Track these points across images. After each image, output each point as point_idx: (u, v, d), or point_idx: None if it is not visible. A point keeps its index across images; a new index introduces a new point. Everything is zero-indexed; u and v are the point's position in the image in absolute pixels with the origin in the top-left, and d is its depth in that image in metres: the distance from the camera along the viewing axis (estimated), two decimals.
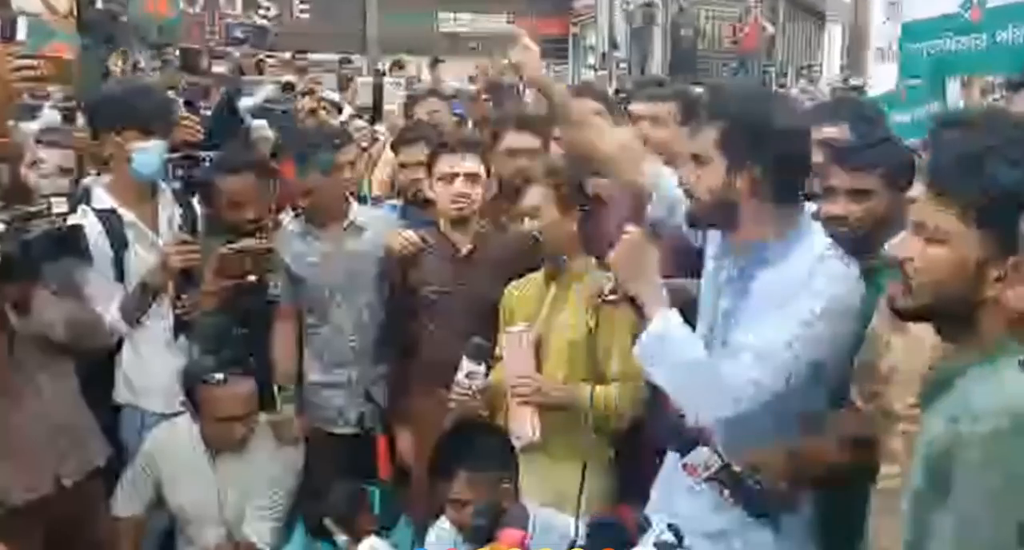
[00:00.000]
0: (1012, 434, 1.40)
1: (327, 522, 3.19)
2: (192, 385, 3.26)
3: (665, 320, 2.25)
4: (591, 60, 18.42)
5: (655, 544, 2.01)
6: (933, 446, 1.48)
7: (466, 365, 2.99)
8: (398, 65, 11.80)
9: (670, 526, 2.05)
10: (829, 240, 2.27)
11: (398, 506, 3.48)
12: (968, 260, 1.48)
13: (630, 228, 2.33)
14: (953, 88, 4.07)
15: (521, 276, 3.17)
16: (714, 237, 2.43)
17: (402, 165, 4.00)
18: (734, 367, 2.17)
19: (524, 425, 2.93)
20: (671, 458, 2.45)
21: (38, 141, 3.71)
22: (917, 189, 1.62)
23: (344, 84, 9.43)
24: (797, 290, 2.16)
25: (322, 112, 7.25)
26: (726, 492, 2.16)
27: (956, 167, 1.50)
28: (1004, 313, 1.48)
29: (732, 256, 2.33)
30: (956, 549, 1.44)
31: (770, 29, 18.50)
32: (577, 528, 2.26)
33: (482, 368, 2.99)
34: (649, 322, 2.27)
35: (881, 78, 4.74)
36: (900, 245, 1.58)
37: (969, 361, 1.52)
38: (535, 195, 3.03)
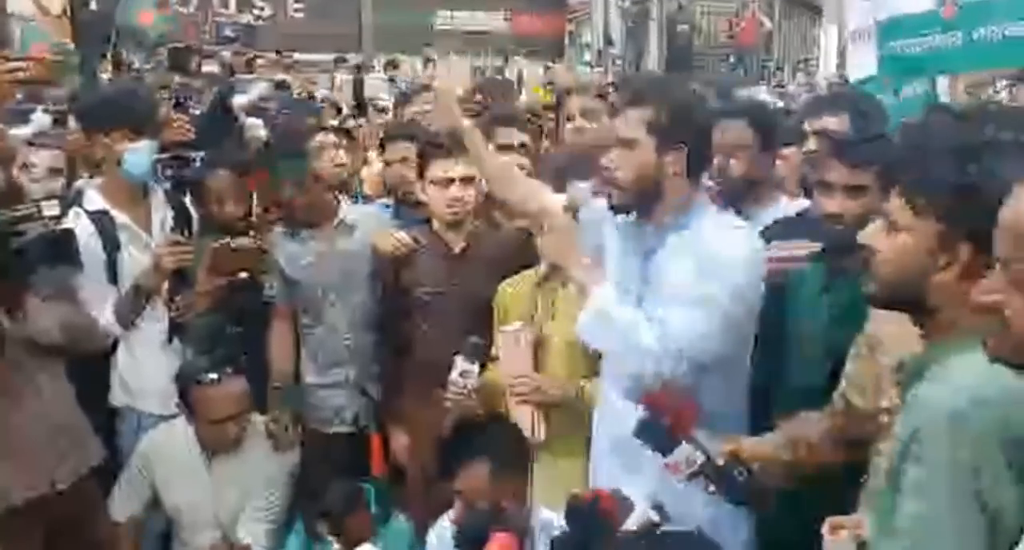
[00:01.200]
0: (972, 419, 1.42)
1: (320, 528, 3.18)
2: (186, 386, 3.25)
3: (600, 296, 2.41)
4: (587, 57, 18.41)
5: (640, 525, 2.01)
6: (903, 433, 1.49)
7: (460, 364, 2.96)
8: (393, 64, 11.78)
9: (655, 506, 2.05)
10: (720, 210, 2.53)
11: (393, 503, 3.46)
12: (920, 248, 1.54)
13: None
14: (942, 83, 4.07)
15: (515, 274, 3.15)
16: (613, 232, 2.57)
17: (386, 163, 3.98)
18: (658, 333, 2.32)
19: (526, 425, 2.91)
20: (602, 451, 2.64)
21: (29, 144, 3.69)
22: None
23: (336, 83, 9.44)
24: (708, 256, 2.35)
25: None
26: (711, 487, 2.15)
27: (906, 161, 1.59)
28: (964, 302, 1.50)
29: (642, 239, 2.48)
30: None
31: (767, 24, 18.50)
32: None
33: (476, 367, 2.97)
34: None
35: (859, 61, 4.73)
36: (865, 233, 1.65)
37: (941, 351, 1.53)
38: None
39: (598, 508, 2.07)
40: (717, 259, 2.33)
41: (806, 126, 3.08)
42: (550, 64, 15.99)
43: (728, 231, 2.42)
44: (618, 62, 16.79)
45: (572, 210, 2.60)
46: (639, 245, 2.49)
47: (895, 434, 1.54)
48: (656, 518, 2.00)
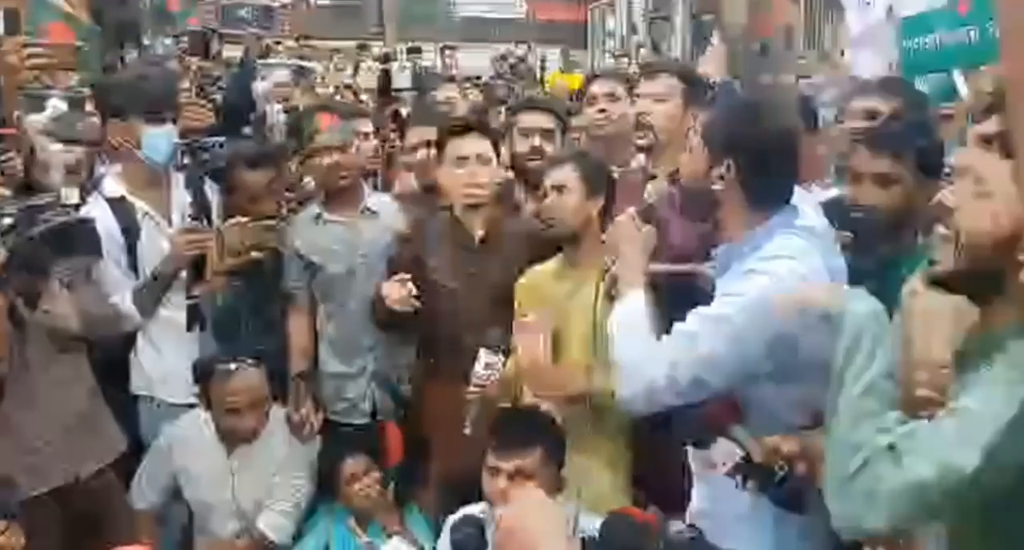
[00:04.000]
0: None
1: (351, 524, 3.18)
2: (203, 375, 3.23)
3: (626, 306, 2.31)
4: (610, 45, 18.29)
5: (669, 536, 1.98)
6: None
7: (484, 356, 2.92)
8: (415, 51, 11.74)
9: (689, 525, 2.02)
10: (799, 243, 2.18)
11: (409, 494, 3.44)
12: (1014, 214, 1.49)
13: (628, 210, 2.38)
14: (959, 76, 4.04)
15: (537, 262, 3.10)
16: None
17: (410, 147, 3.96)
18: (652, 355, 2.19)
19: None
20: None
21: (47, 133, 3.66)
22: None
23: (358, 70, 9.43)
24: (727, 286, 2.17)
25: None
26: (750, 483, 2.11)
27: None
28: None
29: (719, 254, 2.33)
30: None
31: (790, 14, 18.28)
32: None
33: (500, 359, 2.92)
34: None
35: (865, 63, 4.73)
36: (948, 193, 1.62)
37: (1005, 336, 1.49)
38: (561, 173, 2.96)
39: (636, 525, 2.06)
40: (713, 307, 2.17)
41: (852, 105, 3.02)
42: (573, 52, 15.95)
43: (760, 272, 2.15)
44: (643, 51, 16.64)
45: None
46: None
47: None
48: (688, 532, 1.97)
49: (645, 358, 2.19)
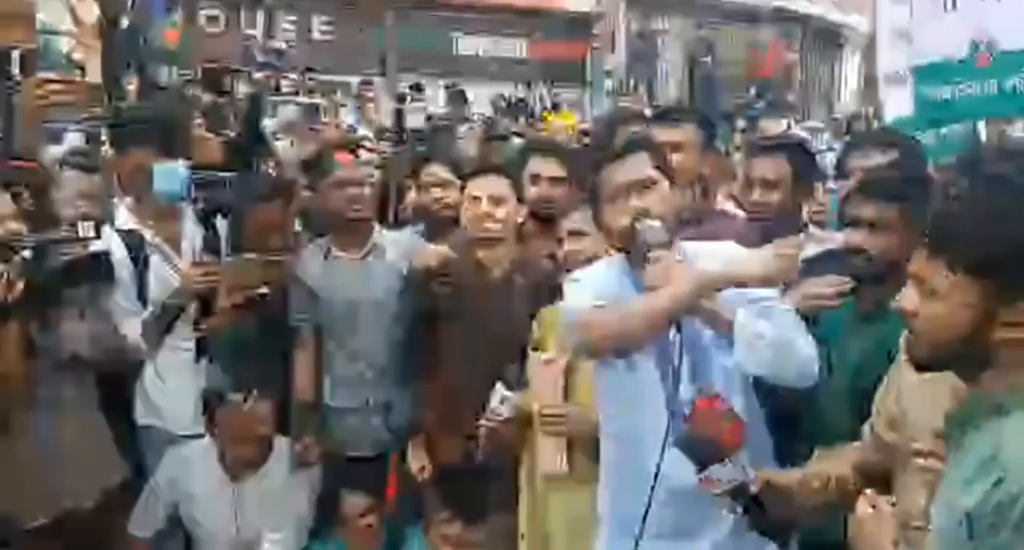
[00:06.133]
0: None
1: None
2: (211, 406, 3.27)
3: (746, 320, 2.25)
4: (608, 84, 18.42)
5: None
6: (971, 497, 1.44)
7: (500, 392, 2.95)
8: (416, 88, 11.84)
9: None
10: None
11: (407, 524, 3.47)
12: (964, 313, 1.47)
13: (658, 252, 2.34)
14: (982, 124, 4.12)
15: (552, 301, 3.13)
16: None
17: (419, 186, 4.01)
18: None
19: (552, 456, 2.88)
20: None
21: (64, 165, 3.71)
22: None
23: (363, 106, 9.51)
24: None
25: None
26: (739, 509, 2.15)
27: (939, 222, 1.51)
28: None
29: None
30: None
31: (789, 56, 18.48)
32: None
33: (516, 395, 2.95)
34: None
35: (895, 102, 4.82)
36: (903, 297, 1.58)
37: (997, 401, 1.50)
38: (576, 219, 2.99)
39: None
40: None
41: (852, 162, 3.09)
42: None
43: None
44: (641, 90, 16.74)
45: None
46: None
47: (957, 487, 1.48)
48: None
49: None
